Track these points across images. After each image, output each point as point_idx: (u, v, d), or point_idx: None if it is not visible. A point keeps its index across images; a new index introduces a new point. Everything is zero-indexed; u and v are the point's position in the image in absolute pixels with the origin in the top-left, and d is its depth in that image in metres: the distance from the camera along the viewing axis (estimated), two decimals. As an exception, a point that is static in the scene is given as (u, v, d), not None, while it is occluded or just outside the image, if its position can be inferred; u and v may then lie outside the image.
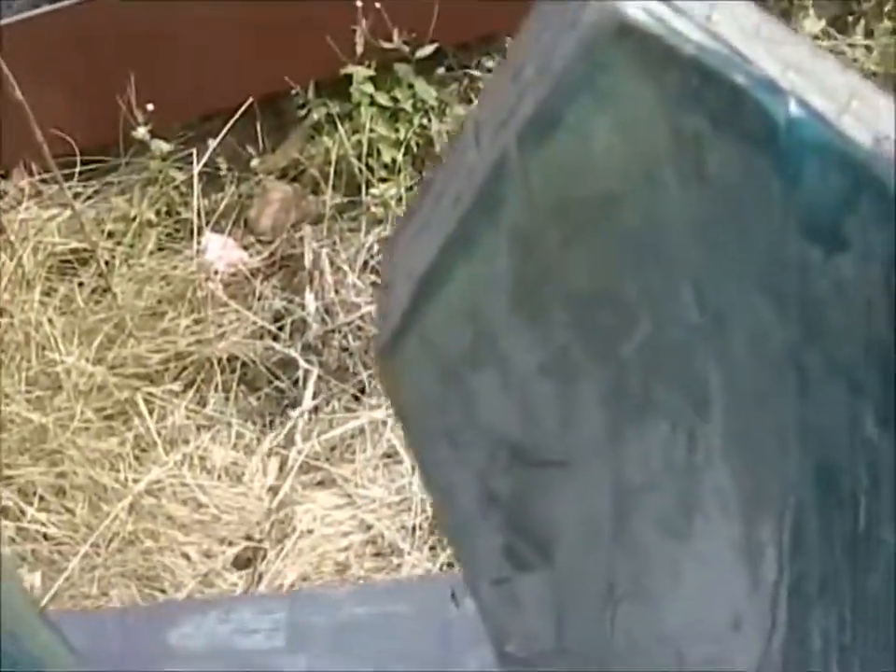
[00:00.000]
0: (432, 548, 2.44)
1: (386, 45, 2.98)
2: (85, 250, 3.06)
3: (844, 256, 0.39)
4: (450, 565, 2.34)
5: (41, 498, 2.67)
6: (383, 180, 2.99)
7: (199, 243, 3.04)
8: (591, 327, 0.40)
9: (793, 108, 0.37)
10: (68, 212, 3.08)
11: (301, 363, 2.79)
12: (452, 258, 0.40)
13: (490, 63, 3.13)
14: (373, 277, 2.91)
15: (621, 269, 0.39)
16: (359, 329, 2.82)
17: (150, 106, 3.02)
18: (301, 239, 3.00)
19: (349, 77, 3.00)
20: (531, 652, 0.52)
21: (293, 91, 3.06)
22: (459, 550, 0.48)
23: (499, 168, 0.39)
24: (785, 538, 0.45)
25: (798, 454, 0.43)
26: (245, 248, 3.06)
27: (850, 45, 3.06)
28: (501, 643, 0.52)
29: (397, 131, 3.02)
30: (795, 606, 0.47)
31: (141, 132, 3.04)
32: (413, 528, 2.48)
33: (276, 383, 2.82)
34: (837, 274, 0.39)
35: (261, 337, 2.88)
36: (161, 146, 3.08)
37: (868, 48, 3.05)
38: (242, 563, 2.55)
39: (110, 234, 3.09)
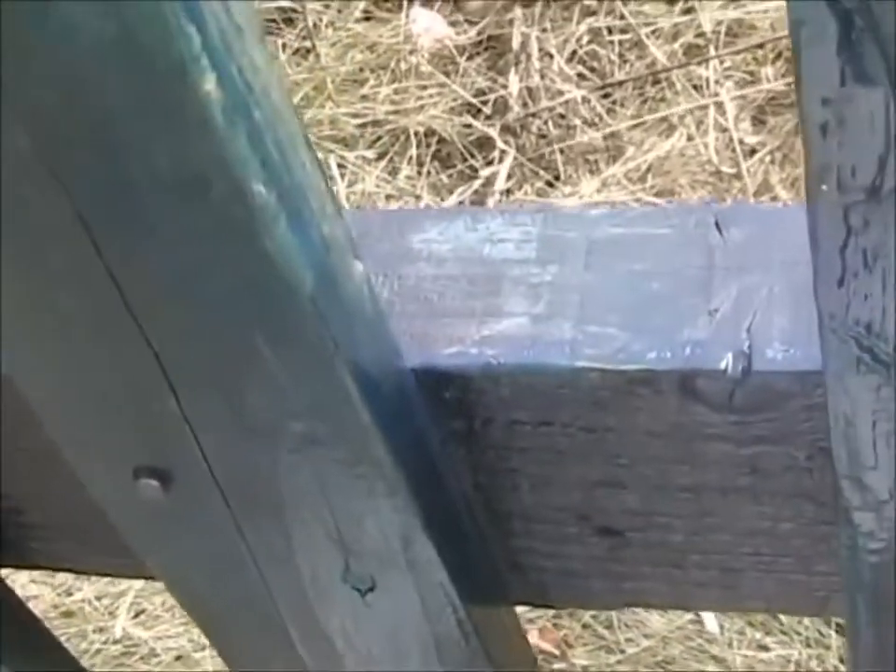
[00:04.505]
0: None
1: None
2: (293, 10, 3.04)
3: None
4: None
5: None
6: (602, -30, 2.90)
7: (407, 15, 2.99)
8: None
9: None
10: (279, -29, 3.06)
11: (499, 143, 2.74)
12: None
13: None
14: (580, 68, 2.84)
15: None
16: (561, 116, 2.77)
17: None
18: (511, 21, 2.93)
19: None
20: (850, 195, 0.48)
21: None
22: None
23: None
24: None
25: None
26: (453, 25, 3.01)
27: None
28: (819, 181, 0.49)
29: (622, -80, 2.92)
30: None
31: None
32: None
33: (470, 161, 2.78)
34: None
35: (461, 114, 2.84)
36: (381, -89, 3.03)
37: None
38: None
39: (318, -3, 3.07)
